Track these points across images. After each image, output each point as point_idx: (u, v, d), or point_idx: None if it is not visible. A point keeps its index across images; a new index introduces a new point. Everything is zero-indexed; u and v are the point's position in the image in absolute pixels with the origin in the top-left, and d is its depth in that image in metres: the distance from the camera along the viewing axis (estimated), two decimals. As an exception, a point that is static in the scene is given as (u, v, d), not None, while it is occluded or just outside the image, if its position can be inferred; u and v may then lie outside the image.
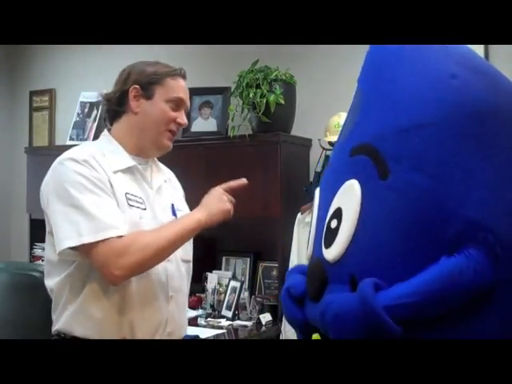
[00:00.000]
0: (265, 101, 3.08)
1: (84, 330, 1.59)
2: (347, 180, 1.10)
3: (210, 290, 3.37)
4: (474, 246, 0.98)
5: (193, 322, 3.18)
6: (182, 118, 1.74)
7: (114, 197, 1.61)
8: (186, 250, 1.76)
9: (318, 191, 1.25)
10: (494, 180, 1.02)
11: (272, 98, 3.08)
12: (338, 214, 1.09)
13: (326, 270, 1.10)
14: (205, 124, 3.53)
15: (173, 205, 1.78)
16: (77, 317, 1.61)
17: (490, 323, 0.98)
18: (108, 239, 1.54)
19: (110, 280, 1.56)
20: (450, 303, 0.97)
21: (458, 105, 1.05)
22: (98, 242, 1.53)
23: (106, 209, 1.57)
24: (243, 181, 1.75)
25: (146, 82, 1.70)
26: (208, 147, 3.34)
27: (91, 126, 3.89)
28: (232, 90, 3.30)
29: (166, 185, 1.82)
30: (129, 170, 1.70)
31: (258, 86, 3.12)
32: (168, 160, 1.88)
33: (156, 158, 1.83)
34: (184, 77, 1.77)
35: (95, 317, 1.59)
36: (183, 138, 3.52)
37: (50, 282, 1.66)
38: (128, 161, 1.70)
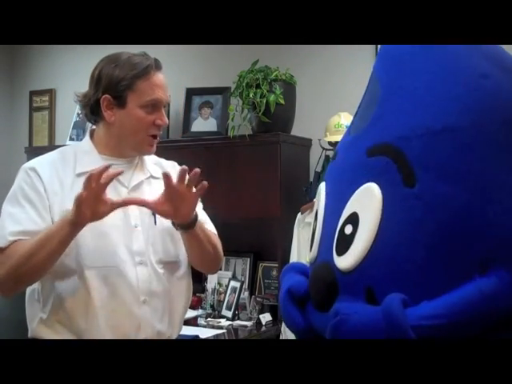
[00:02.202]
0: (265, 101, 3.08)
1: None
2: (364, 183, 1.01)
3: (209, 290, 3.37)
4: (504, 267, 0.91)
5: (193, 321, 3.18)
6: (162, 119, 1.65)
7: (51, 204, 1.58)
8: (168, 251, 1.68)
9: (322, 188, 1.16)
10: None
11: (272, 97, 3.08)
12: (353, 219, 1.00)
13: (337, 279, 1.01)
14: (205, 124, 3.53)
15: None
16: (47, 329, 1.61)
17: None
18: None
19: None
20: (481, 326, 0.91)
21: (491, 109, 0.96)
22: None
23: (17, 219, 1.57)
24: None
25: (116, 90, 1.61)
26: (208, 147, 3.34)
27: (91, 126, 3.89)
28: (232, 90, 3.30)
29: (149, 181, 1.72)
30: None
31: (258, 86, 3.12)
32: (168, 160, 1.87)
33: (145, 156, 1.75)
34: (158, 68, 1.65)
35: (62, 327, 1.59)
36: (183, 138, 3.52)
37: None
38: (96, 163, 1.61)
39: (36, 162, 1.67)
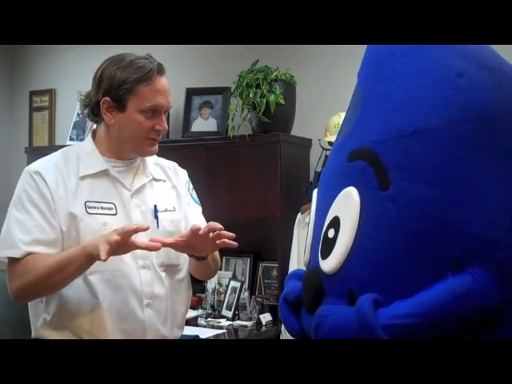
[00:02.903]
0: (265, 101, 3.08)
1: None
2: (345, 187, 1.03)
3: (210, 290, 3.37)
4: (480, 265, 0.90)
5: (193, 321, 3.18)
6: (161, 124, 1.64)
7: (58, 209, 1.57)
8: (170, 255, 1.67)
9: (315, 193, 1.18)
10: (505, 192, 0.93)
11: (272, 97, 3.08)
12: (335, 223, 1.03)
13: (323, 282, 1.04)
14: (205, 124, 3.53)
15: (155, 206, 1.69)
16: (50, 331, 1.61)
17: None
18: (10, 258, 1.56)
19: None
20: (452, 325, 0.91)
21: (465, 108, 0.96)
22: (5, 258, 1.57)
23: (26, 227, 1.56)
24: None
25: (117, 93, 1.59)
26: (208, 147, 3.34)
27: (91, 125, 3.88)
28: (232, 90, 3.31)
29: (151, 184, 1.72)
30: (101, 174, 1.65)
31: (258, 86, 3.12)
32: (168, 160, 1.87)
33: (147, 158, 1.74)
34: (161, 73, 1.63)
35: (66, 329, 1.59)
36: (183, 138, 3.52)
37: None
38: (99, 165, 1.65)
39: (40, 164, 1.64)
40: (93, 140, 1.71)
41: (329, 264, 1.02)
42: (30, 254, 1.54)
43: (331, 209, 1.06)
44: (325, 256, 1.04)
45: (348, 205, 1.01)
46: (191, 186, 1.85)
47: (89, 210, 1.60)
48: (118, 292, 1.59)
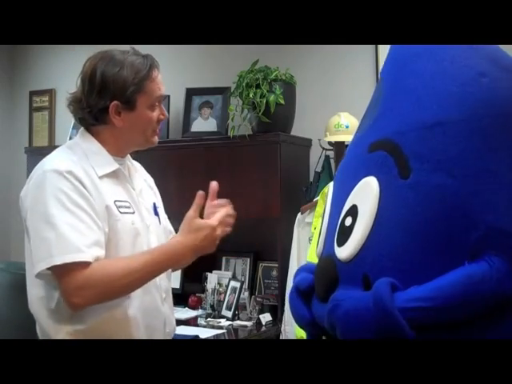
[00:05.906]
0: (265, 101, 3.08)
1: None
2: (364, 176, 1.06)
3: (209, 290, 3.37)
4: (496, 253, 0.93)
5: (193, 322, 3.18)
6: (163, 113, 1.68)
7: (97, 209, 1.52)
8: None
9: (330, 185, 1.22)
10: None
11: (272, 98, 3.08)
12: (353, 211, 1.06)
13: (338, 269, 1.06)
14: (205, 124, 3.53)
15: (154, 204, 1.75)
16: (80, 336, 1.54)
17: None
18: (75, 264, 1.44)
19: (69, 306, 1.48)
20: (468, 311, 0.93)
21: (485, 104, 1.00)
22: (66, 264, 1.44)
23: (79, 230, 1.46)
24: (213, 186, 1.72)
25: (126, 95, 1.58)
26: (208, 147, 3.34)
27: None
28: (232, 90, 3.31)
29: (145, 184, 1.77)
30: (114, 174, 1.62)
31: (257, 86, 3.12)
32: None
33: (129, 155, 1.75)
34: (157, 65, 1.65)
35: (97, 334, 1.53)
36: (183, 138, 3.52)
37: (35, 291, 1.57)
38: (112, 164, 1.63)
39: (67, 163, 1.54)
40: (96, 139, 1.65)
41: (345, 251, 1.05)
42: (97, 258, 1.46)
43: (349, 198, 1.09)
44: (341, 243, 1.06)
45: (367, 193, 1.04)
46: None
47: (120, 210, 1.58)
48: (145, 289, 1.59)
